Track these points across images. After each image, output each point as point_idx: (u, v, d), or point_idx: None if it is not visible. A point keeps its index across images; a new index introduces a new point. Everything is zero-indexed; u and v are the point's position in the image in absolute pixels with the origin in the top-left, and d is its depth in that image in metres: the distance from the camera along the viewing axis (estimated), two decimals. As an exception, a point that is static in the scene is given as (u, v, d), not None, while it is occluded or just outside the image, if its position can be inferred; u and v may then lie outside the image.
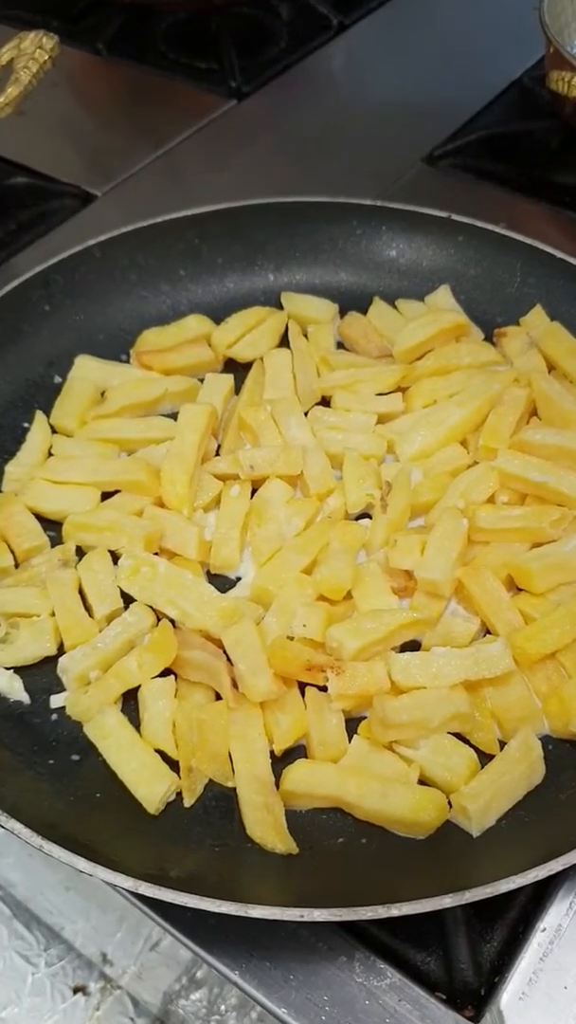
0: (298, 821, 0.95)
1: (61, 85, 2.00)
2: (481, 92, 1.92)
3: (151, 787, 0.95)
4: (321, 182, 1.64)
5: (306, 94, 2.00)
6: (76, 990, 1.45)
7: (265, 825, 0.92)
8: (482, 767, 0.96)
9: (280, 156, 1.84)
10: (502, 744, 0.98)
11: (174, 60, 2.06)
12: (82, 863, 0.84)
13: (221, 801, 0.97)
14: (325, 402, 1.29)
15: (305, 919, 0.81)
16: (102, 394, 1.30)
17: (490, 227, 1.41)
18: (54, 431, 1.26)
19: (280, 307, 1.41)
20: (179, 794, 0.97)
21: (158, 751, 0.98)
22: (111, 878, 0.83)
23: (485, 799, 0.93)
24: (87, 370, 1.31)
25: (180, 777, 0.97)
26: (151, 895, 0.82)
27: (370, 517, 1.17)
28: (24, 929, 1.47)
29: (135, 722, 1.01)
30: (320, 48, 2.10)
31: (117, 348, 1.37)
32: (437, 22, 2.19)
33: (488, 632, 1.07)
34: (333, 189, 1.49)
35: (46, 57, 1.54)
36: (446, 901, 0.81)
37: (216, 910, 0.81)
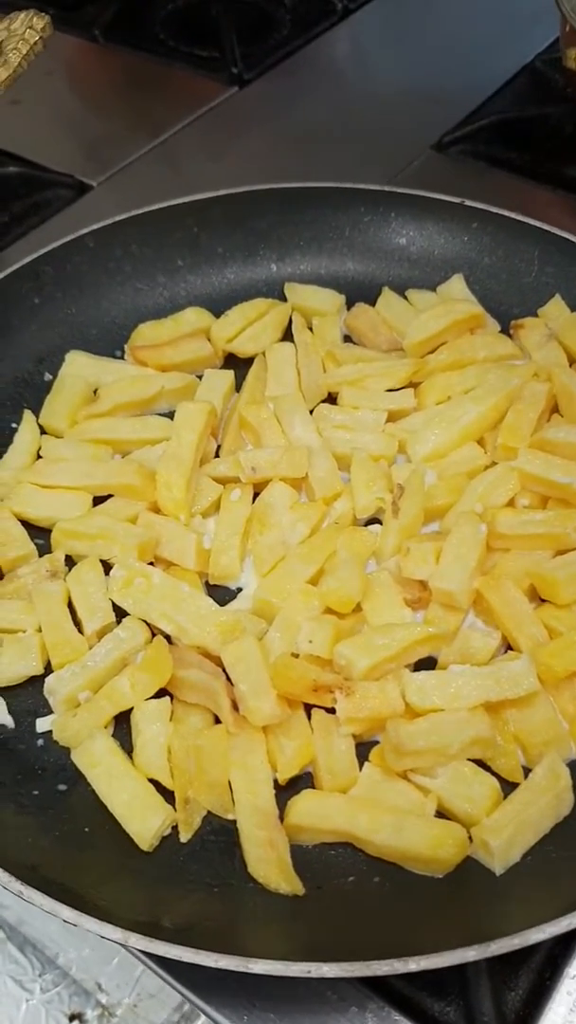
0: (304, 857, 0.88)
1: (56, 72, 1.95)
2: (492, 76, 1.85)
3: (144, 821, 0.87)
4: (326, 171, 1.57)
5: (310, 81, 1.93)
6: (72, 1018, 1.38)
7: (268, 863, 0.85)
8: (505, 797, 0.88)
9: (283, 145, 1.78)
10: (526, 771, 0.90)
11: (173, 47, 2.00)
12: (66, 912, 0.76)
13: (220, 835, 0.89)
14: (331, 399, 1.22)
15: (313, 975, 0.73)
16: (94, 392, 1.23)
17: (506, 213, 1.34)
18: (43, 431, 1.19)
19: (283, 299, 1.34)
20: (175, 828, 0.89)
21: (152, 780, 0.91)
22: (98, 929, 0.75)
23: (509, 833, 0.85)
24: (79, 367, 1.25)
25: (176, 809, 0.89)
26: (142, 948, 0.75)
27: (380, 523, 1.09)
28: (18, 952, 1.40)
29: (127, 748, 0.93)
30: (324, 33, 2.03)
31: (111, 343, 1.30)
32: (446, 4, 2.12)
33: (510, 648, 0.99)
34: (338, 178, 1.42)
35: (37, 38, 1.47)
36: (470, 954, 0.73)
37: (214, 965, 0.73)
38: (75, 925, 0.76)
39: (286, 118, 1.82)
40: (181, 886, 0.86)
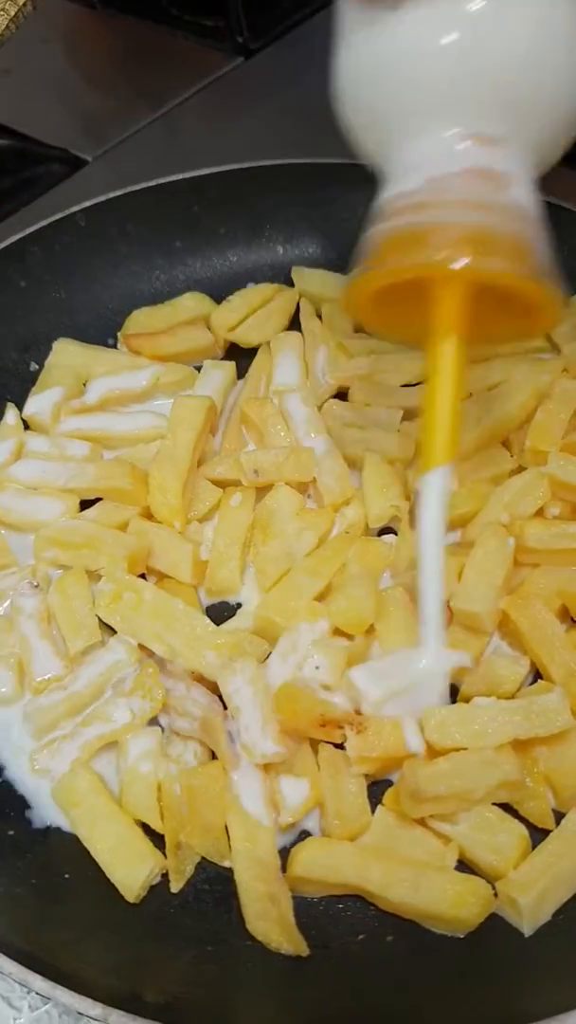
0: (309, 912, 0.79)
1: (51, 40, 1.86)
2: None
3: (130, 869, 0.79)
4: (337, 146, 1.46)
5: (320, 51, 1.79)
6: (62, 1037, 1.32)
7: (268, 919, 0.76)
8: (535, 846, 0.79)
9: (291, 118, 1.67)
10: (559, 817, 0.81)
11: (176, 15, 1.89)
12: (38, 983, 0.67)
13: (216, 885, 0.81)
14: (342, 395, 1.12)
15: (317, 1061, 0.63)
16: (84, 384, 1.14)
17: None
18: (27, 426, 1.11)
19: (290, 284, 1.24)
20: (165, 876, 0.80)
21: (140, 823, 0.81)
22: (76, 1004, 0.67)
23: (539, 889, 0.76)
24: (67, 356, 1.16)
25: (166, 856, 0.79)
26: (123, 1026, 0.65)
27: (395, 533, 1.00)
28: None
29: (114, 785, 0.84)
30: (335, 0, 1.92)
31: (103, 331, 1.21)
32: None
33: (539, 676, 0.89)
34: (351, 154, 1.31)
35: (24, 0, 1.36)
36: (497, 1041, 0.64)
37: (205, 1048, 0.64)
38: (48, 998, 0.66)
39: (295, 90, 1.71)
40: (171, 943, 0.77)
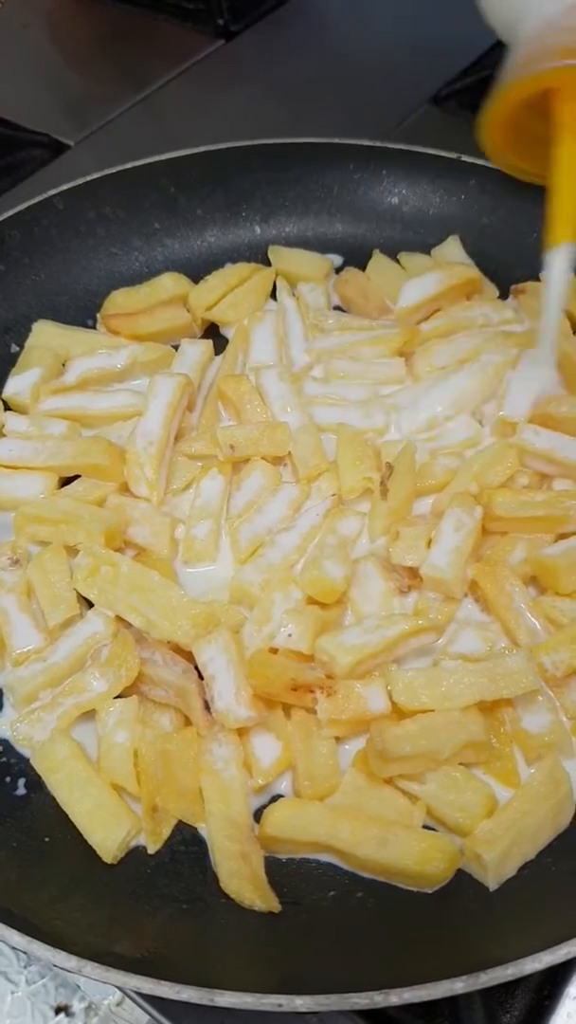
0: (281, 871, 0.81)
1: (33, 25, 1.87)
2: (492, 26, 1.74)
3: (108, 831, 0.81)
4: (316, 127, 1.48)
5: (300, 33, 1.84)
6: (59, 1010, 1.34)
7: (241, 878, 0.78)
8: (500, 805, 0.81)
9: (271, 100, 1.69)
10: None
11: (156, -2, 1.89)
12: (16, 937, 0.70)
13: (192, 846, 0.83)
14: (317, 371, 1.14)
15: (284, 1008, 0.66)
16: (63, 364, 1.15)
17: (506, 168, 1.24)
18: (7, 407, 1.12)
19: (267, 263, 1.26)
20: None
21: (117, 787, 0.83)
22: (50, 956, 0.69)
23: (504, 845, 0.78)
24: (46, 337, 1.17)
25: (143, 818, 0.81)
26: (98, 978, 0.68)
27: (368, 504, 1.01)
28: (2, 943, 1.36)
29: (91, 750, 0.86)
30: (316, -19, 1.92)
31: (81, 312, 1.23)
32: (444, -51, 2.00)
33: (508, 641, 0.90)
34: (330, 134, 1.34)
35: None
36: (458, 986, 0.66)
37: (176, 997, 0.67)
38: (25, 953, 0.69)
39: (275, 72, 1.73)
40: (148, 902, 0.79)
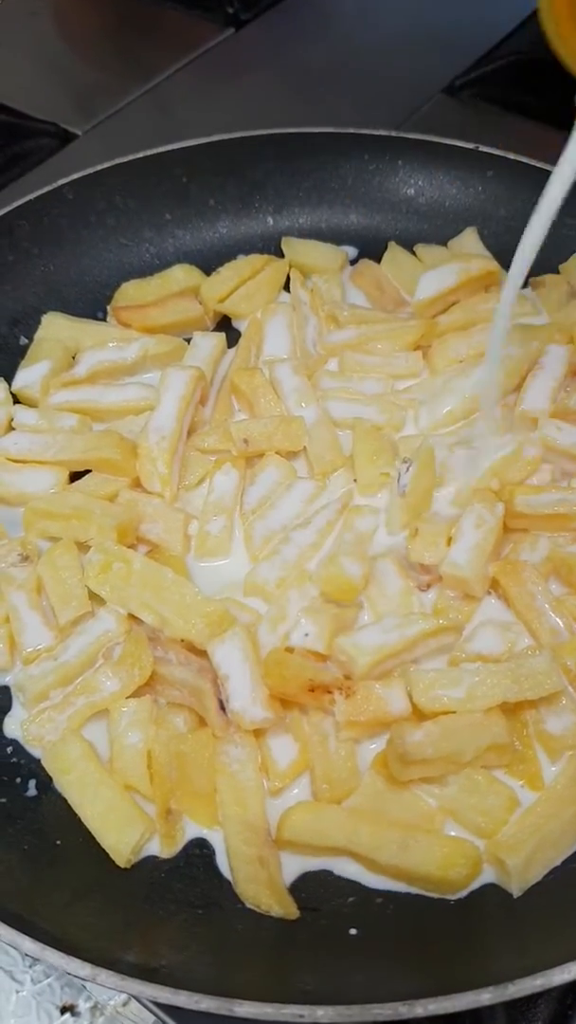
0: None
1: (40, 13, 1.84)
2: (508, 13, 1.71)
3: (121, 834, 0.79)
4: (328, 117, 1.46)
5: (311, 21, 1.81)
6: (64, 1009, 1.33)
7: (258, 883, 0.76)
8: (524, 808, 0.79)
9: (282, 90, 1.66)
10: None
11: (165, -14, 1.87)
12: (28, 944, 0.68)
13: (207, 849, 0.81)
14: (332, 364, 1.12)
15: (306, 1020, 0.64)
16: (73, 357, 1.13)
17: (524, 159, 1.23)
18: (16, 400, 1.10)
19: (280, 255, 1.23)
20: (157, 842, 0.80)
21: (130, 789, 0.81)
22: (64, 964, 0.67)
23: (528, 850, 0.76)
24: (56, 329, 1.15)
25: (156, 821, 0.80)
26: (112, 986, 0.66)
27: (385, 500, 0.99)
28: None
29: (103, 751, 0.84)
30: (327, -31, 1.90)
31: (92, 304, 1.21)
32: None
33: (530, 641, 0.88)
34: (341, 125, 1.32)
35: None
36: (484, 997, 0.64)
37: (195, 1007, 0.65)
38: (38, 960, 0.67)
39: (285, 61, 1.71)
40: (162, 907, 0.78)
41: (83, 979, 0.67)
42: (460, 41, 1.67)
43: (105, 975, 0.66)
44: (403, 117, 1.54)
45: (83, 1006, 1.38)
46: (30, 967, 1.38)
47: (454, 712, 0.80)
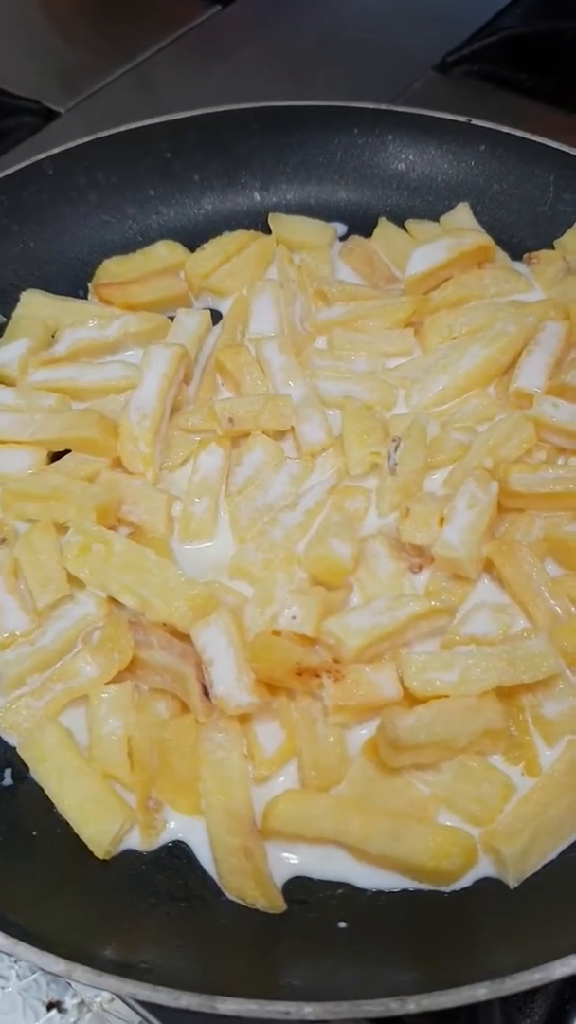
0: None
1: (22, -9, 1.80)
2: (501, -11, 1.69)
3: (100, 824, 0.76)
4: (317, 96, 1.43)
5: (296, -3, 1.78)
6: (51, 1006, 1.31)
7: (243, 874, 0.73)
8: (521, 796, 0.76)
9: (270, 67, 1.64)
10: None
11: (150, -37, 1.84)
12: (0, 939, 0.64)
13: (190, 840, 0.78)
14: (321, 342, 1.09)
15: (292, 1017, 0.61)
16: (52, 336, 1.10)
17: (518, 133, 1.20)
18: (-6, 380, 1.06)
19: (267, 231, 1.21)
20: (137, 832, 0.77)
21: (110, 777, 0.78)
22: (37, 959, 0.64)
23: (525, 839, 0.74)
24: (35, 307, 1.12)
25: (137, 811, 0.76)
26: (88, 982, 0.63)
27: (376, 480, 0.96)
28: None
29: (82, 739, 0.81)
30: (315, -56, 1.86)
31: (73, 281, 1.17)
32: None
33: (526, 623, 0.86)
34: (330, 97, 1.28)
35: None
36: (481, 992, 0.61)
37: (173, 1004, 0.61)
38: (10, 955, 0.64)
39: (273, 39, 1.68)
40: (142, 900, 0.75)
41: (57, 975, 0.64)
42: (452, 17, 1.64)
43: (81, 971, 0.63)
44: (394, 94, 1.52)
45: (69, 1002, 1.35)
46: (15, 963, 1.35)
47: (447, 696, 0.77)
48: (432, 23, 1.63)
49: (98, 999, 1.28)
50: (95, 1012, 1.34)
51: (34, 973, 1.36)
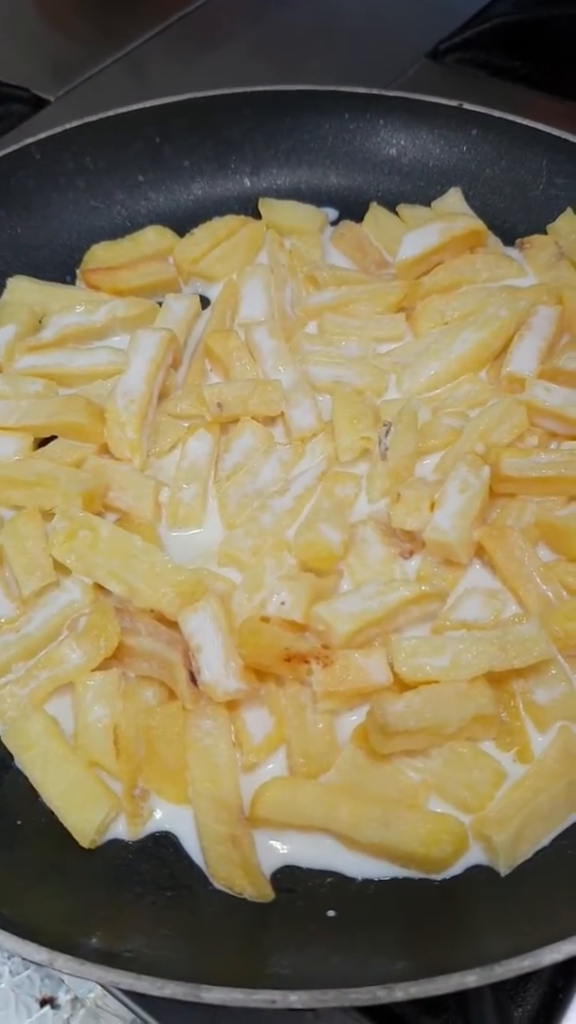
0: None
1: (12, -22, 1.78)
2: (493, -22, 1.68)
3: (85, 813, 0.75)
4: (309, 83, 1.42)
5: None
6: (44, 1002, 1.30)
7: (231, 863, 0.72)
8: (512, 783, 0.75)
9: (261, 56, 1.62)
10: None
11: (141, -49, 1.82)
12: (-20, 929, 0.63)
13: (177, 828, 0.76)
14: (311, 328, 1.08)
15: (278, 1005, 0.60)
16: (39, 322, 1.09)
17: (510, 117, 1.19)
18: (-20, 366, 1.05)
19: (257, 216, 1.20)
20: (123, 821, 0.76)
21: (95, 765, 0.77)
22: (19, 948, 0.63)
23: (515, 826, 0.73)
24: (23, 293, 1.11)
25: (123, 800, 0.75)
26: (71, 972, 0.62)
27: (366, 466, 0.95)
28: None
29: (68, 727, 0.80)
30: None
31: (60, 267, 1.16)
32: None
33: (517, 609, 0.85)
34: (320, 81, 1.26)
35: None
36: (470, 979, 0.60)
37: (158, 993, 0.60)
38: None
39: (264, 26, 1.67)
40: (128, 890, 0.74)
41: (40, 964, 0.62)
42: (444, 4, 1.64)
43: (63, 960, 0.62)
44: (386, 82, 1.50)
45: (63, 998, 1.34)
46: (8, 958, 1.34)
47: (437, 682, 0.76)
48: (424, 10, 1.63)
49: (91, 995, 1.27)
50: (88, 1008, 1.33)
51: (27, 969, 1.35)
